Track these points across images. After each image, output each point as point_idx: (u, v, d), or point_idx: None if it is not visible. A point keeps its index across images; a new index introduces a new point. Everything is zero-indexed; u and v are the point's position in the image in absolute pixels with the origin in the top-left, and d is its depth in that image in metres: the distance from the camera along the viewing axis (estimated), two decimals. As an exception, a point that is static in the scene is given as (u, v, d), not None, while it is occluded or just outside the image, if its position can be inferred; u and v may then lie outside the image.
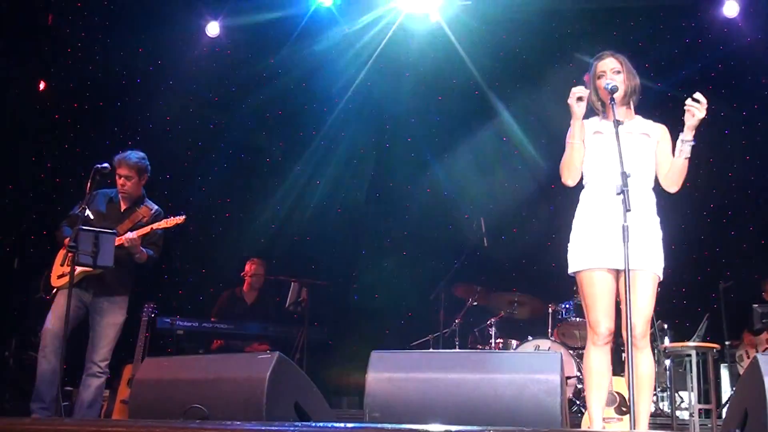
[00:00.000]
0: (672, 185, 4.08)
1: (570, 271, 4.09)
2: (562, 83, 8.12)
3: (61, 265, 5.30)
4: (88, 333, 5.49)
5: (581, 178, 4.16)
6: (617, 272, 3.94)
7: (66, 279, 5.23)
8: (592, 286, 3.96)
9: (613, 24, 8.55)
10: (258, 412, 3.72)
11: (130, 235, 5.41)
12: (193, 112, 9.28)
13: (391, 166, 9.24)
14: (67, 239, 5.15)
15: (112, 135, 8.66)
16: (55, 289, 5.44)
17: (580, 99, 4.00)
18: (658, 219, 4.07)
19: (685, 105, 3.90)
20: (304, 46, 9.10)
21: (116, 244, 5.24)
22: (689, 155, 3.98)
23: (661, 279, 4.01)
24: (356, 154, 9.26)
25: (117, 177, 5.62)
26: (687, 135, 3.94)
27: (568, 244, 4.11)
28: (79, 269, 5.17)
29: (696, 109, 3.87)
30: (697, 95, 3.87)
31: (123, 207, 5.69)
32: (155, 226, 5.53)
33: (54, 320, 5.27)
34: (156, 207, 5.78)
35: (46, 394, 5.13)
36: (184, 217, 5.61)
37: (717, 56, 8.35)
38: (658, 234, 4.02)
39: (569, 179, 4.14)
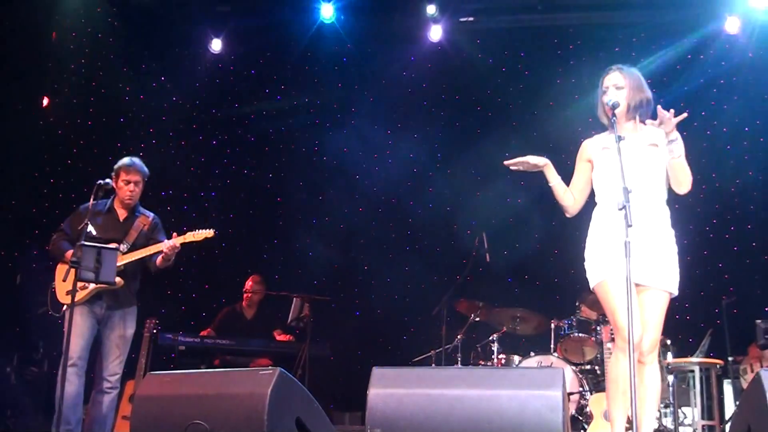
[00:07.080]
0: (678, 186, 4.03)
1: (592, 285, 4.07)
2: (564, 97, 8.18)
3: (63, 280, 5.19)
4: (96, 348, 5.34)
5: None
6: (636, 286, 3.91)
7: (76, 295, 5.17)
8: (614, 292, 3.91)
9: (615, 39, 8.57)
10: (259, 428, 3.70)
11: (171, 242, 5.32)
12: (196, 128, 9.33)
13: (393, 181, 9.24)
14: (69, 253, 5.11)
15: (115, 151, 8.67)
16: (65, 306, 5.24)
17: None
18: (673, 232, 4.05)
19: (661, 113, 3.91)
20: (308, 62, 9.15)
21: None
22: (683, 152, 3.97)
23: (676, 295, 4.01)
24: (359, 169, 9.26)
25: (124, 184, 5.48)
26: (671, 135, 3.92)
27: (585, 263, 4.10)
28: (93, 285, 5.12)
29: (665, 114, 3.87)
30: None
31: (122, 217, 5.54)
32: (188, 239, 5.40)
33: (76, 341, 5.09)
34: (152, 214, 5.68)
35: (71, 416, 5.02)
36: (214, 231, 5.51)
37: (719, 71, 8.36)
38: (673, 249, 4.01)
39: (567, 213, 4.29)
